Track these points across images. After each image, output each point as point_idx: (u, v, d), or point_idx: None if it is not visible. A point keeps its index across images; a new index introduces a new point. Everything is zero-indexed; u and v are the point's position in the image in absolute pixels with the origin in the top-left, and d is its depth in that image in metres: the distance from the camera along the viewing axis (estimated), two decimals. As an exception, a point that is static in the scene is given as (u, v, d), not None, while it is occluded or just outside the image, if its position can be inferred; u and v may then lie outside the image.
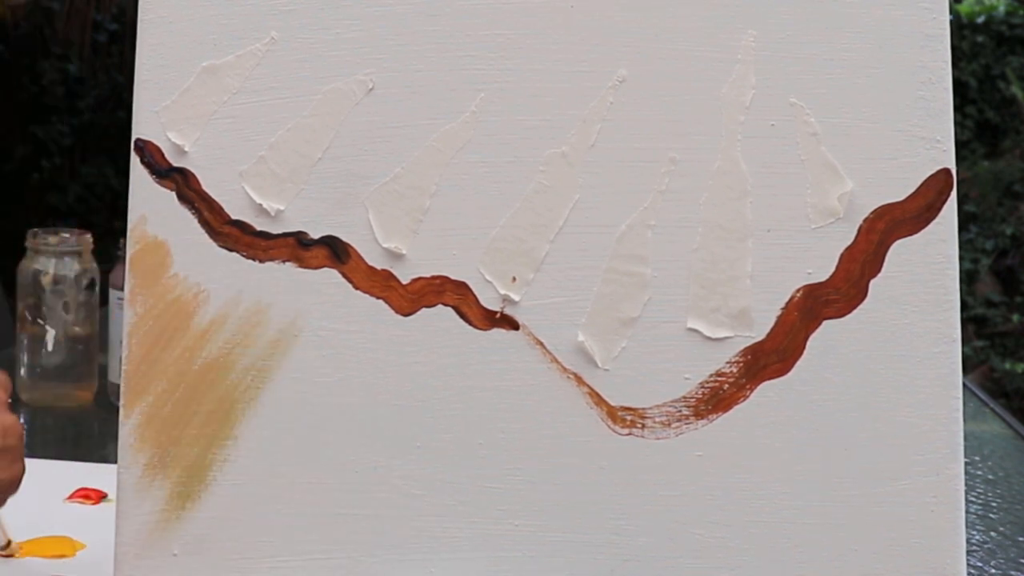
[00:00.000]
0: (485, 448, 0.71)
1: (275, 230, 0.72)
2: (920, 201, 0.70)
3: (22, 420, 1.31)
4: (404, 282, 0.72)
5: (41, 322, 1.32)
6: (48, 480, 1.07)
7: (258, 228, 0.72)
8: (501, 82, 0.71)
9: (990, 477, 1.21)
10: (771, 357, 0.70)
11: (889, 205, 0.70)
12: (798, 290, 0.71)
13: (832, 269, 0.70)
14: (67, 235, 1.35)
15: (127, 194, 0.73)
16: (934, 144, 0.70)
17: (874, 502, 0.70)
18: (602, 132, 0.71)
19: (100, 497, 1.02)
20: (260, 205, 0.72)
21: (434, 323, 0.71)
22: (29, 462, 1.14)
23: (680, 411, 0.71)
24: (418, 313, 0.72)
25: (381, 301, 0.72)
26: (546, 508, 0.71)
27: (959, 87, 4.44)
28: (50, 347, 1.33)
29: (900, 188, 0.70)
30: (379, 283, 0.72)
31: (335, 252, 0.72)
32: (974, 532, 1.03)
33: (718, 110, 0.71)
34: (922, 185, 0.70)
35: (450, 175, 0.72)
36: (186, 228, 0.72)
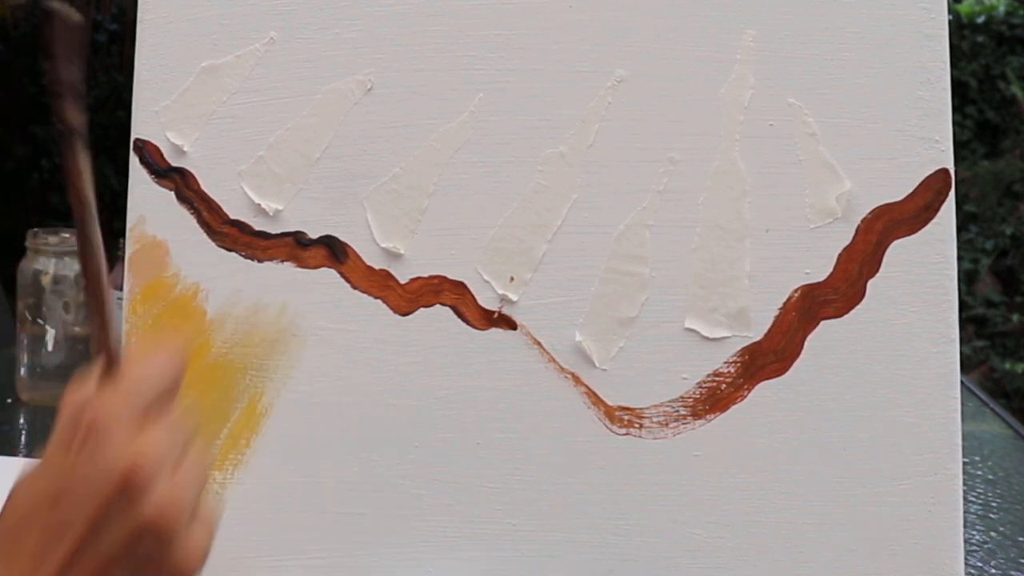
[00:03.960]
0: (483, 448, 0.71)
1: (274, 230, 0.72)
2: (918, 201, 0.70)
3: (21, 421, 1.31)
4: (402, 282, 0.72)
5: (41, 322, 1.33)
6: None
7: (257, 228, 0.72)
8: (500, 82, 0.72)
9: (990, 477, 1.21)
10: (769, 357, 0.70)
11: (887, 205, 0.70)
12: (796, 290, 0.71)
13: (830, 269, 0.70)
14: (67, 235, 1.35)
15: (127, 194, 0.73)
16: (932, 144, 0.70)
17: (873, 502, 0.70)
18: (601, 132, 0.71)
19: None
20: (259, 205, 0.72)
21: (432, 323, 0.71)
22: (31, 463, 1.14)
23: (678, 411, 0.71)
24: (416, 313, 0.72)
25: (379, 301, 0.72)
26: (544, 508, 0.71)
27: (959, 87, 4.44)
28: (50, 347, 1.33)
29: (898, 188, 0.70)
30: (377, 283, 0.72)
31: (333, 252, 0.72)
32: (974, 532, 1.03)
33: (717, 110, 0.71)
34: (920, 185, 0.70)
35: (449, 175, 0.72)
36: (185, 228, 0.72)
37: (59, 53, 0.50)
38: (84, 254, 0.53)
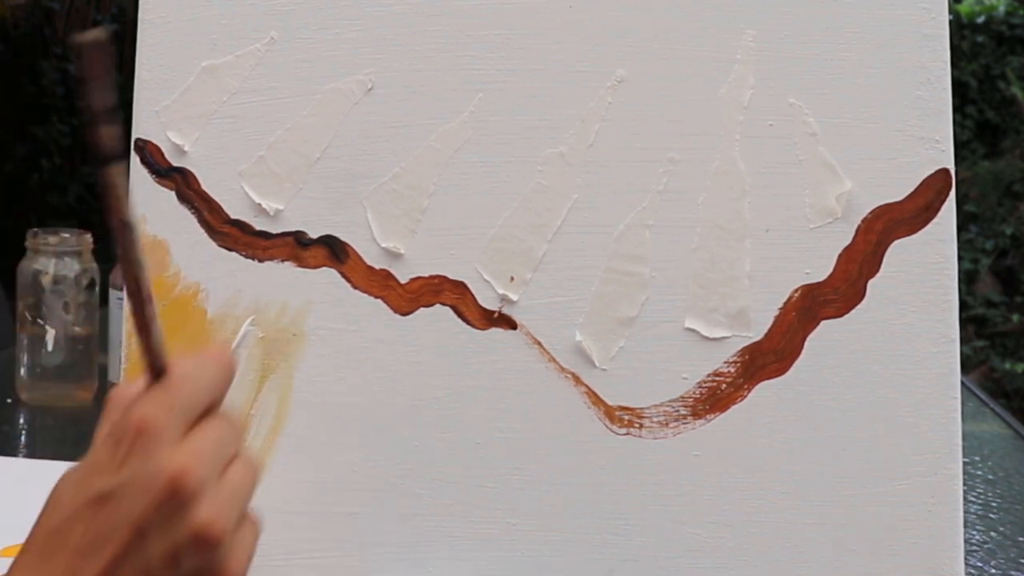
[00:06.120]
0: (483, 448, 0.71)
1: (274, 229, 0.72)
2: (919, 201, 0.70)
3: (21, 421, 1.31)
4: (402, 281, 0.72)
5: (41, 322, 1.33)
6: (51, 481, 1.07)
7: (257, 228, 0.72)
8: (500, 82, 0.72)
9: (990, 477, 1.21)
10: (769, 357, 0.71)
11: (887, 205, 0.70)
12: (796, 290, 0.71)
13: (830, 269, 0.70)
14: (67, 235, 1.35)
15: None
16: (933, 144, 0.71)
17: (872, 502, 0.70)
18: (601, 132, 0.71)
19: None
20: (259, 205, 0.72)
21: (432, 323, 0.71)
22: (31, 463, 1.14)
23: (678, 411, 0.71)
24: (416, 313, 0.72)
25: (380, 300, 0.72)
26: (544, 508, 0.71)
27: (959, 87, 4.44)
28: (50, 347, 1.33)
29: (899, 188, 0.70)
30: (378, 282, 0.72)
31: (334, 251, 0.72)
32: (974, 532, 1.03)
33: (717, 110, 0.71)
34: (921, 185, 0.70)
35: (448, 175, 0.72)
36: (186, 228, 0.72)
37: (90, 79, 0.49)
38: (130, 275, 0.52)
